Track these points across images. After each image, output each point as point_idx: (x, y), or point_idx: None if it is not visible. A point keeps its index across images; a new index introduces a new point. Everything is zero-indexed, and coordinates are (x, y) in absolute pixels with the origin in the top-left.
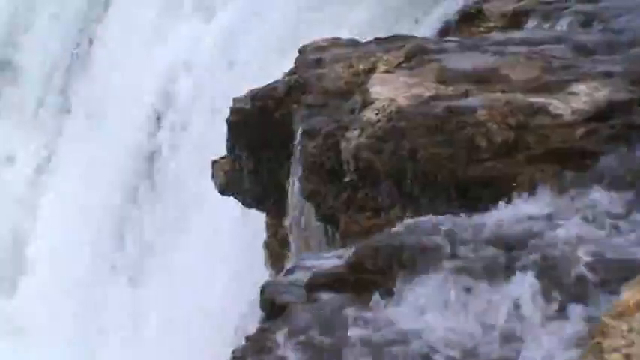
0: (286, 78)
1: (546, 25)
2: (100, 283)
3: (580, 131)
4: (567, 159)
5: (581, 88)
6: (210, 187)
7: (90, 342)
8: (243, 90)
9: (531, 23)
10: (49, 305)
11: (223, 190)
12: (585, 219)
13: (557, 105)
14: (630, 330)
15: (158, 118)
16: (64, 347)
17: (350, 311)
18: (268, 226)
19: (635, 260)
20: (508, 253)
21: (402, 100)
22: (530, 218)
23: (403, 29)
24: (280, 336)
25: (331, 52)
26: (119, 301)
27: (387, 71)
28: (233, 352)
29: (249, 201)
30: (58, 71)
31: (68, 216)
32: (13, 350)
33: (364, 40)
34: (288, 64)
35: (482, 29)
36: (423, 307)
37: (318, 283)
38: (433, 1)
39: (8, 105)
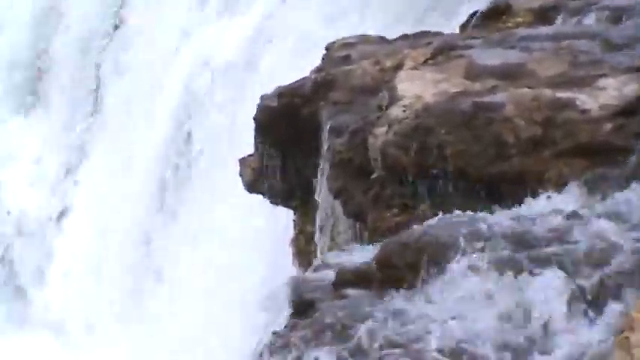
0: (313, 75)
1: (574, 20)
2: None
3: (608, 126)
4: (595, 154)
5: (609, 82)
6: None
7: (131, 330)
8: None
9: (559, 18)
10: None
11: (250, 188)
12: (614, 215)
13: (585, 100)
14: None
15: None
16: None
17: (377, 307)
18: (295, 224)
19: None
20: (537, 249)
21: (429, 97)
22: (559, 214)
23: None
24: (307, 332)
25: (358, 48)
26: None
27: (414, 68)
28: (259, 347)
29: (277, 198)
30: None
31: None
32: None
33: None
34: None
35: (509, 24)
36: (450, 302)
37: (346, 279)
38: None
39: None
